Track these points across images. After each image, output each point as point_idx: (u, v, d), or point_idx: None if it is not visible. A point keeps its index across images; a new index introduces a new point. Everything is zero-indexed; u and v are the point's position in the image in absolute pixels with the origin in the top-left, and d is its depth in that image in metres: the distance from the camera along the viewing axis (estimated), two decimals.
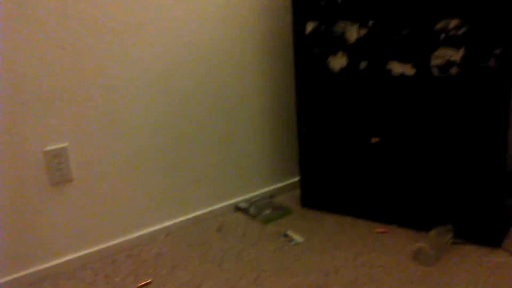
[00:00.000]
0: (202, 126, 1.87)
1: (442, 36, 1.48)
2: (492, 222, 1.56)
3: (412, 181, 1.69)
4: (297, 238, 1.74)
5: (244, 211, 1.99)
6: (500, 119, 1.45)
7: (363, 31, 1.64)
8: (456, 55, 1.48)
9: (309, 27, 1.76)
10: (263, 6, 1.97)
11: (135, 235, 1.75)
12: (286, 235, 1.76)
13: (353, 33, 1.66)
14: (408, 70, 1.58)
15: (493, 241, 1.58)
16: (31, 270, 1.52)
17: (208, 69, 1.85)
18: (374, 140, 1.73)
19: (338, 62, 1.73)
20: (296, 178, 2.26)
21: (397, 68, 1.60)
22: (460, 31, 1.45)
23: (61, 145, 1.53)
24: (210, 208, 1.96)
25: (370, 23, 1.61)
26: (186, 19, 1.75)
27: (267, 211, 1.95)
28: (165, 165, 1.79)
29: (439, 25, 1.48)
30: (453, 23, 1.45)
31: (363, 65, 1.68)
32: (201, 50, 1.81)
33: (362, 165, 1.79)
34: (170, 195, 1.83)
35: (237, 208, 2.03)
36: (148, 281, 1.50)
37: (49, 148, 1.50)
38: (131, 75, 1.64)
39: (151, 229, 1.80)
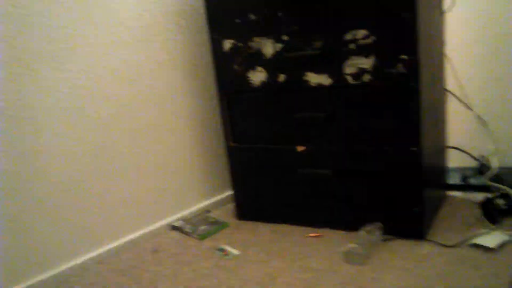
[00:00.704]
0: (126, 148, 1.85)
1: (352, 46, 1.56)
2: (416, 216, 1.65)
3: (339, 184, 1.75)
4: (233, 251, 1.75)
5: (180, 229, 1.98)
6: (413, 117, 1.54)
7: (279, 46, 1.69)
8: (366, 63, 1.55)
9: (227, 44, 1.79)
10: (179, 27, 1.97)
11: (64, 266, 1.70)
12: (222, 250, 1.77)
13: (269, 48, 1.70)
14: (324, 79, 1.65)
15: (418, 234, 1.66)
16: None
17: (128, 94, 1.83)
18: (300, 148, 1.78)
19: (257, 76, 1.77)
20: (231, 192, 2.28)
21: (313, 78, 1.66)
22: (368, 41, 1.53)
23: None
24: (143, 231, 1.93)
25: (285, 37, 1.67)
26: (102, 44, 1.73)
27: (203, 227, 1.95)
28: (89, 193, 1.76)
29: (348, 36, 1.55)
30: (361, 33, 1.53)
31: (281, 77, 1.72)
32: (120, 74, 1.80)
33: (291, 174, 1.84)
34: (99, 222, 1.79)
35: (172, 227, 2.01)
36: None
37: None
38: (45, 105, 1.60)
39: (82, 259, 1.74)
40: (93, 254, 1.78)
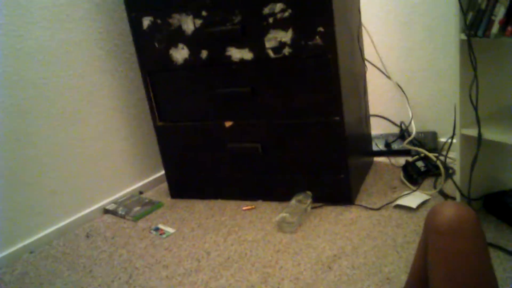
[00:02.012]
0: (50, 134, 1.80)
1: (271, 20, 1.58)
2: (342, 183, 1.72)
3: (269, 157, 1.80)
4: (169, 230, 1.76)
5: (113, 212, 1.96)
6: (333, 88, 1.59)
7: (199, 22, 1.68)
8: (285, 36, 1.58)
9: (146, 22, 1.76)
10: (96, 5, 1.91)
11: None
12: (157, 229, 1.78)
13: (189, 24, 1.69)
14: (246, 54, 1.66)
15: (346, 200, 1.75)
16: None
17: (45, 76, 1.77)
18: (228, 124, 1.80)
19: (180, 53, 1.76)
20: (163, 172, 2.27)
21: (235, 53, 1.68)
22: (286, 14, 1.56)
23: None
24: (76, 216, 1.90)
25: (204, 13, 1.66)
26: (14, 24, 1.65)
27: (137, 208, 1.94)
28: (16, 181, 1.70)
29: (266, 10, 1.57)
30: (278, 7, 1.55)
31: (204, 54, 1.72)
32: (36, 57, 1.73)
33: (221, 149, 1.86)
34: (27, 211, 1.74)
35: (105, 210, 1.99)
36: None
37: None
38: None
39: (12, 249, 1.70)
40: (23, 243, 1.73)
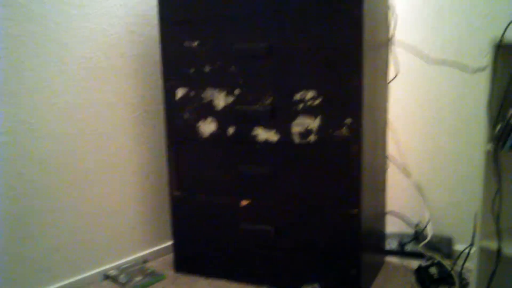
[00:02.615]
0: (65, 190, 1.79)
1: (301, 106, 1.62)
2: (353, 279, 1.66)
3: (280, 241, 1.76)
4: None
5: (113, 279, 1.89)
6: (354, 180, 1.59)
7: (230, 99, 1.73)
8: (313, 123, 1.61)
9: (179, 93, 1.82)
10: (134, 71, 1.99)
11: None
12: None
13: (220, 100, 1.74)
14: (271, 136, 1.69)
15: None
16: None
17: (74, 133, 1.80)
18: (244, 203, 1.79)
19: (207, 127, 1.79)
20: (171, 242, 2.22)
21: (261, 134, 1.70)
22: (316, 102, 1.60)
23: None
24: (75, 278, 1.83)
25: (236, 91, 1.71)
26: (52, 78, 1.71)
27: (138, 278, 1.88)
28: (17, 235, 1.66)
29: (297, 96, 1.62)
30: (310, 94, 1.60)
31: (231, 130, 1.75)
32: (67, 112, 1.77)
33: (233, 228, 1.83)
34: (26, 266, 1.69)
35: (105, 276, 1.92)
36: None
37: None
38: None
39: None
40: None
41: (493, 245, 1.35)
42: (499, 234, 1.32)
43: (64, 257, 1.81)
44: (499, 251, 1.32)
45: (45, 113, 1.71)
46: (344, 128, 1.57)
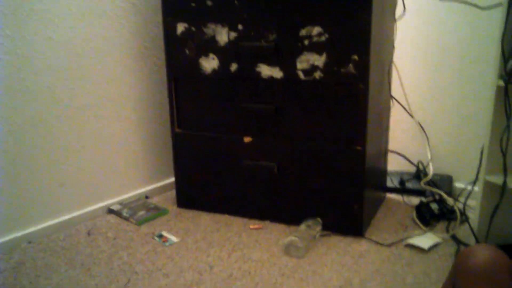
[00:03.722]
0: (67, 126, 1.78)
1: (306, 42, 1.58)
2: (355, 214, 1.69)
3: (283, 178, 1.77)
4: (172, 238, 1.72)
5: (117, 213, 1.92)
6: (360, 118, 1.58)
7: (233, 34, 1.68)
8: (319, 60, 1.58)
9: (180, 28, 1.76)
10: (133, 5, 1.92)
11: None
12: (160, 236, 1.74)
13: (223, 35, 1.69)
14: (276, 73, 1.66)
15: (356, 232, 1.71)
16: None
17: (72, 67, 1.76)
18: (247, 139, 1.78)
19: (209, 63, 1.75)
20: (172, 179, 2.24)
21: (265, 71, 1.67)
22: (322, 38, 1.55)
23: None
24: (79, 212, 1.86)
25: (240, 27, 1.66)
26: (48, 12, 1.65)
27: (142, 212, 1.91)
28: (24, 168, 1.67)
29: (303, 32, 1.57)
30: (316, 30, 1.55)
31: (234, 67, 1.72)
32: (65, 46, 1.72)
33: (236, 164, 1.84)
34: (31, 200, 1.71)
35: (109, 210, 1.95)
36: None
37: None
38: None
39: (10, 236, 1.65)
40: (22, 232, 1.69)
41: (498, 179, 1.37)
42: (505, 169, 1.33)
43: (68, 192, 1.83)
44: (504, 184, 1.34)
45: (42, 47, 1.66)
46: (351, 65, 1.54)
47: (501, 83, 1.30)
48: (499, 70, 1.30)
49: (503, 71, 1.29)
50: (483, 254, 0.80)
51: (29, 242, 1.70)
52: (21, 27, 1.58)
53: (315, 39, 1.56)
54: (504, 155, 1.32)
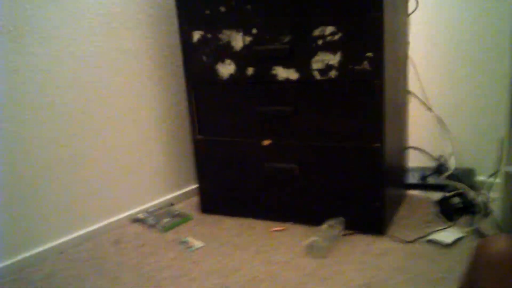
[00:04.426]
0: (91, 138, 1.82)
1: (320, 42, 1.59)
2: (376, 212, 1.69)
3: (304, 179, 1.78)
4: (197, 243, 1.75)
5: (142, 221, 1.96)
6: (377, 115, 1.58)
7: (248, 39, 1.70)
8: (333, 59, 1.59)
9: (196, 35, 1.80)
10: (148, 15, 1.96)
11: (22, 255, 1.65)
12: (185, 242, 1.77)
13: (238, 41, 1.72)
14: (292, 74, 1.67)
15: (378, 230, 1.71)
16: None
17: (93, 81, 1.81)
18: (266, 142, 1.80)
19: (226, 69, 1.78)
20: (195, 185, 2.27)
21: (281, 73, 1.69)
22: (336, 37, 1.56)
23: None
24: (105, 222, 1.90)
25: (254, 31, 1.68)
26: (67, 27, 1.70)
27: (166, 219, 1.94)
28: (51, 181, 1.72)
29: (316, 32, 1.59)
30: (329, 30, 1.56)
31: (250, 71, 1.74)
32: (85, 60, 1.77)
33: (256, 168, 1.85)
34: (61, 211, 1.75)
35: (135, 219, 1.99)
36: None
37: None
38: (3, 87, 1.56)
39: (41, 248, 1.70)
40: (52, 244, 1.73)
41: None
42: None
43: (94, 202, 1.87)
44: None
45: (63, 62, 1.71)
46: (366, 62, 1.55)
47: None
48: None
49: None
50: (501, 242, 0.80)
51: (61, 253, 1.74)
52: (41, 43, 1.63)
53: (328, 38, 1.58)
54: None
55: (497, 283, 0.78)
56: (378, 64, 1.53)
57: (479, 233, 1.65)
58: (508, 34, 1.81)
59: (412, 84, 2.04)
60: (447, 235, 1.65)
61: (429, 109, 2.01)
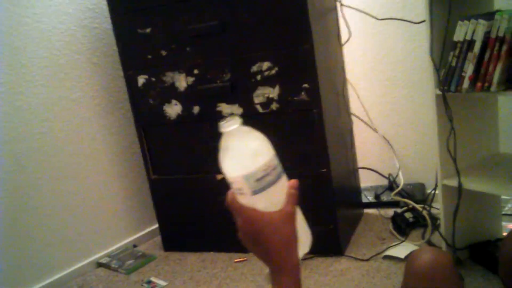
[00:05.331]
0: (47, 189, 1.85)
1: (259, 77, 1.67)
2: (331, 234, 1.75)
3: None
4: (160, 282, 1.77)
5: (106, 265, 1.97)
6: (320, 141, 1.66)
7: (191, 79, 1.77)
8: (273, 92, 1.67)
9: (141, 80, 1.86)
10: (93, 64, 2.02)
11: None
12: (149, 282, 1.79)
13: (181, 82, 1.79)
14: (236, 109, 1.74)
15: (336, 251, 1.76)
16: None
17: (44, 132, 1.85)
18: (219, 176, 1.85)
19: (173, 109, 1.84)
20: (156, 225, 2.28)
21: (226, 109, 1.76)
22: (273, 72, 1.65)
23: None
24: (69, 269, 1.91)
25: (195, 71, 1.76)
26: (12, 82, 1.75)
27: (130, 261, 1.96)
28: (12, 233, 1.73)
29: (254, 68, 1.67)
30: (265, 65, 1.65)
31: (196, 109, 1.80)
32: (33, 113, 1.81)
33: (213, 202, 1.89)
34: (24, 262, 1.76)
35: (99, 264, 2.00)
36: None
37: None
38: None
39: None
40: None
41: (454, 182, 1.43)
42: (458, 172, 1.40)
43: (58, 250, 1.88)
44: (459, 187, 1.40)
45: (11, 116, 1.74)
46: (303, 92, 1.63)
47: (438, 92, 1.38)
48: (434, 79, 1.39)
49: (437, 81, 1.38)
50: (425, 255, 0.87)
51: None
52: None
53: (266, 73, 1.66)
54: (454, 158, 1.39)
55: None
56: (315, 93, 1.61)
57: (430, 245, 1.71)
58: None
59: (356, 107, 2.13)
60: (401, 250, 1.70)
61: (374, 130, 2.10)
